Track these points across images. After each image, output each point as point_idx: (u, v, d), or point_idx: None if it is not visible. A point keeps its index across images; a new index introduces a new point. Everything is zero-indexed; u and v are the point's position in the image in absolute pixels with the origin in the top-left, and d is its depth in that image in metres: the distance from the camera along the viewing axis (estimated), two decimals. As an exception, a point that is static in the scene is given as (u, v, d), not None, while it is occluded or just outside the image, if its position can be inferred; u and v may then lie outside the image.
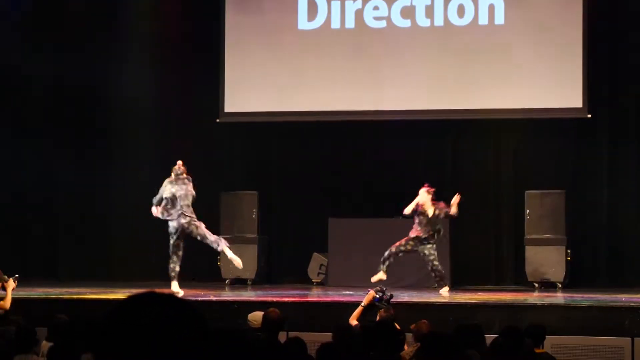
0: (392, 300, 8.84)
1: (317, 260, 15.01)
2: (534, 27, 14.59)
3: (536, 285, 14.21)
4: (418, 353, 6.00)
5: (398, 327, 7.23)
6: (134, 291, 2.05)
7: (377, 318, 8.29)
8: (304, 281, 14.81)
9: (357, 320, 8.51)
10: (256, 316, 7.64)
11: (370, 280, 12.57)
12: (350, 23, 15.06)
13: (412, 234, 13.11)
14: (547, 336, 8.08)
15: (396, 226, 14.58)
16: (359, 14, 15.04)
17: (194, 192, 12.50)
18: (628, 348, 10.23)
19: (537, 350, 7.39)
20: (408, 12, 14.91)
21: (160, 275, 14.50)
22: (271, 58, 15.18)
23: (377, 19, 15.01)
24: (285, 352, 6.01)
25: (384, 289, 8.91)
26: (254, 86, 15.18)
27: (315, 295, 13.35)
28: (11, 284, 8.65)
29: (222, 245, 12.43)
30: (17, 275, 8.67)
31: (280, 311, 7.52)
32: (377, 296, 8.71)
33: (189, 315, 1.97)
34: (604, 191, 14.98)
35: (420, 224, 13.07)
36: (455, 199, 12.94)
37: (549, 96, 14.51)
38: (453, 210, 13.00)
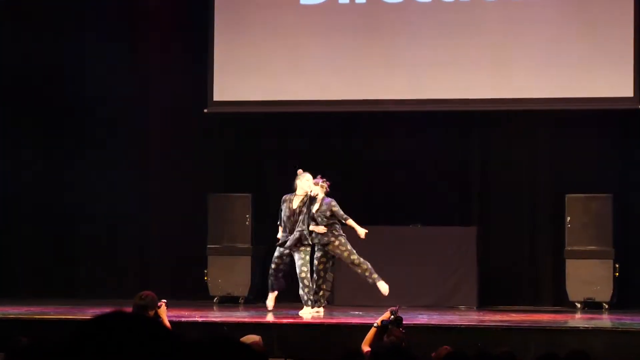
0: (403, 322, 8.51)
1: (320, 276, 15.09)
2: (576, 2, 14.29)
3: (578, 305, 13.84)
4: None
5: None
6: (102, 311, 2.25)
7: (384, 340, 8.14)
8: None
9: (370, 345, 8.05)
10: (250, 340, 7.38)
11: (380, 298, 12.26)
12: (361, -5, 14.88)
13: None
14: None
15: (414, 235, 14.34)
16: (372, -16, 14.79)
17: None
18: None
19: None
20: (431, -19, 14.71)
21: (128, 295, 14.15)
22: (268, 38, 14.82)
23: (393, -10, 14.80)
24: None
25: (397, 308, 8.54)
26: (247, 71, 14.83)
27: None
28: (164, 309, 8.85)
29: None
30: (164, 301, 8.85)
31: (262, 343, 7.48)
32: (388, 318, 8.42)
33: (159, 335, 2.17)
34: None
35: None
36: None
37: (593, 84, 14.11)
38: None
